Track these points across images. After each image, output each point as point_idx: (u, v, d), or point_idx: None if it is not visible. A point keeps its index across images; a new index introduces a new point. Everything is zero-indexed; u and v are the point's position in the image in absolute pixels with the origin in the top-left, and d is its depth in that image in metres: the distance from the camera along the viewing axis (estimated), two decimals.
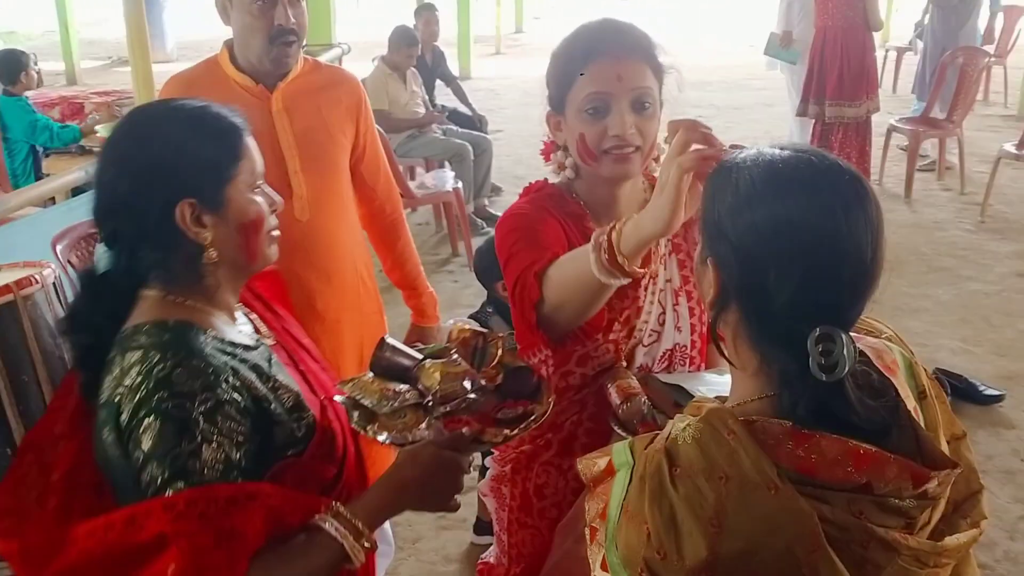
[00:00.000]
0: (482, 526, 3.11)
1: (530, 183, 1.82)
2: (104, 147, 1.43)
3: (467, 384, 1.49)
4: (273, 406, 1.40)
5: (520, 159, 7.98)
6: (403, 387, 1.50)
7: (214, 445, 1.28)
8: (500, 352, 1.58)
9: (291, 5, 2.24)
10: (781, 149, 1.10)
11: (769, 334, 1.07)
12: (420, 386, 1.50)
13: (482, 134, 6.64)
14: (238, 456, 1.30)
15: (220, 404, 1.30)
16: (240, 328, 1.51)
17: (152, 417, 1.26)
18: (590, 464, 1.19)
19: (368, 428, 1.46)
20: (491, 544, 2.00)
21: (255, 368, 1.42)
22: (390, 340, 1.59)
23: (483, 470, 2.23)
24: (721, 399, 1.21)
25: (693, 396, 1.59)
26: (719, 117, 9.03)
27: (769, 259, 1.04)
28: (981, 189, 6.39)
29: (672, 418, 1.24)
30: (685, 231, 1.75)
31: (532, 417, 1.49)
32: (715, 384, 1.66)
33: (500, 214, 6.06)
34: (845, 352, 1.01)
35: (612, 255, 1.33)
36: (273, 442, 1.38)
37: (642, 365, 1.75)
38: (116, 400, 1.29)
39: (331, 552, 1.30)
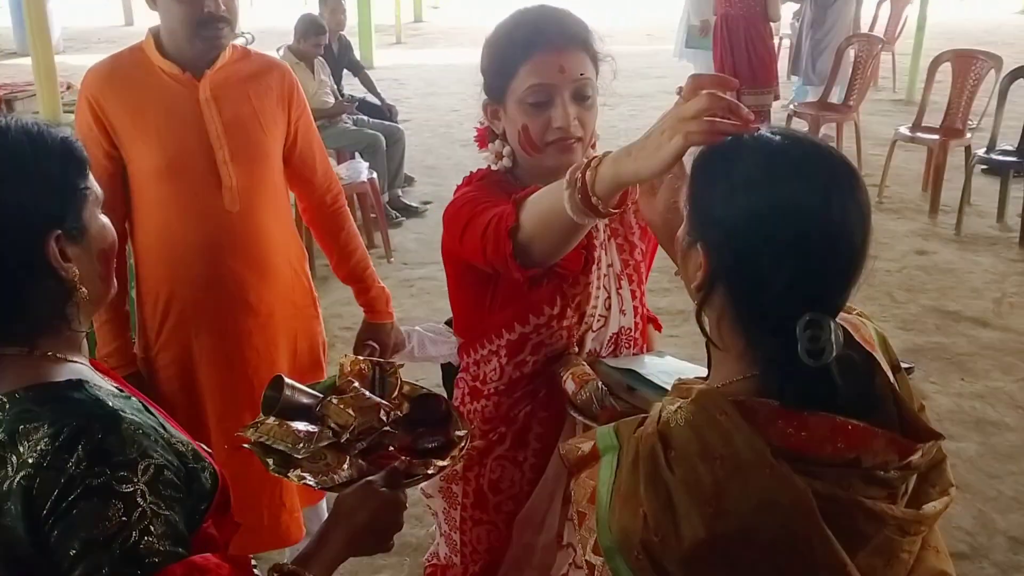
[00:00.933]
0: None
1: (472, 171, 1.81)
2: None
3: (383, 416, 1.46)
4: (186, 459, 1.23)
5: (430, 148, 7.97)
6: (312, 428, 1.45)
7: (163, 517, 1.11)
8: (399, 382, 1.54)
9: None
10: (774, 134, 1.10)
11: (758, 318, 1.07)
12: (332, 424, 1.45)
13: (394, 124, 6.59)
14: (182, 526, 1.15)
15: (160, 469, 1.13)
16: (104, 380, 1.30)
17: (90, 498, 1.07)
18: (574, 449, 1.19)
19: (291, 474, 1.40)
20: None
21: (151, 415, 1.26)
22: (288, 380, 1.53)
23: None
24: (683, 381, 1.23)
25: (646, 379, 1.62)
26: (623, 104, 9.14)
27: (764, 245, 1.04)
28: (877, 171, 6.63)
29: (628, 402, 1.26)
30: (621, 216, 1.76)
31: (463, 444, 1.48)
32: (660, 367, 1.68)
33: (415, 204, 6.05)
34: (832, 338, 1.03)
35: (586, 194, 1.25)
36: (192, 497, 1.22)
37: (591, 350, 1.76)
38: (22, 484, 1.08)
39: None
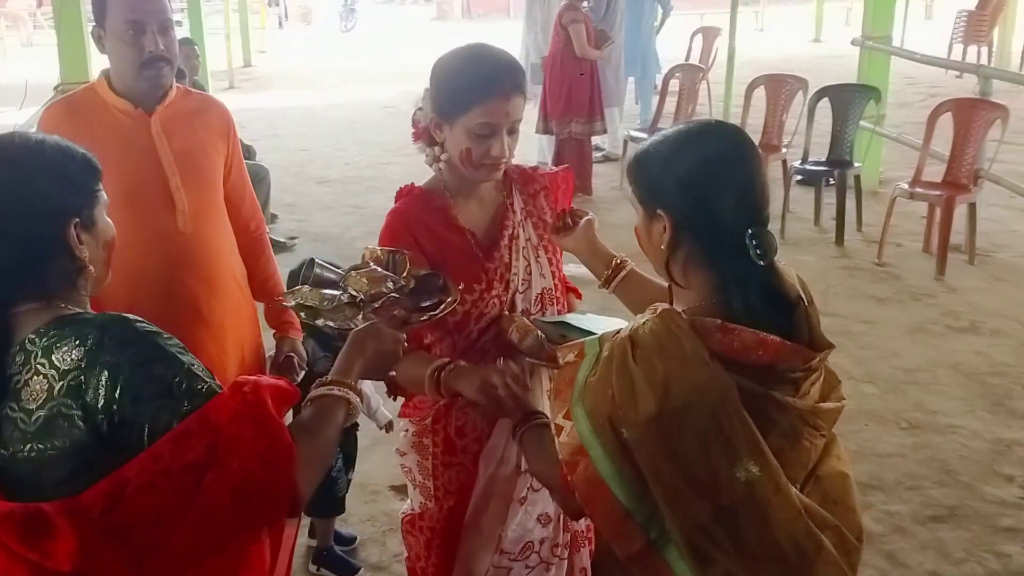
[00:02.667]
0: (328, 558, 3.29)
1: (401, 187, 2.18)
2: None
3: (390, 284, 1.85)
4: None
5: (286, 187, 8.13)
6: (335, 292, 1.86)
7: (197, 364, 1.46)
8: (407, 263, 1.92)
9: (160, 34, 2.40)
10: (675, 127, 1.59)
11: (720, 247, 1.49)
12: (351, 291, 1.85)
13: (256, 163, 6.76)
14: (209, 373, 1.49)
15: (175, 343, 1.46)
16: None
17: (134, 371, 1.37)
18: (565, 351, 1.60)
19: (317, 320, 1.84)
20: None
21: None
22: (319, 259, 1.97)
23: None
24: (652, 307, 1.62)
25: (574, 327, 2.01)
26: None
27: (709, 190, 1.48)
28: None
29: (559, 346, 1.67)
30: (533, 200, 2.19)
31: (449, 299, 1.90)
32: (583, 319, 2.09)
33: (283, 240, 6.27)
34: (771, 241, 1.47)
35: (438, 387, 1.97)
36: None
37: (523, 310, 2.13)
38: (72, 386, 1.35)
39: (340, 408, 1.60)
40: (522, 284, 2.13)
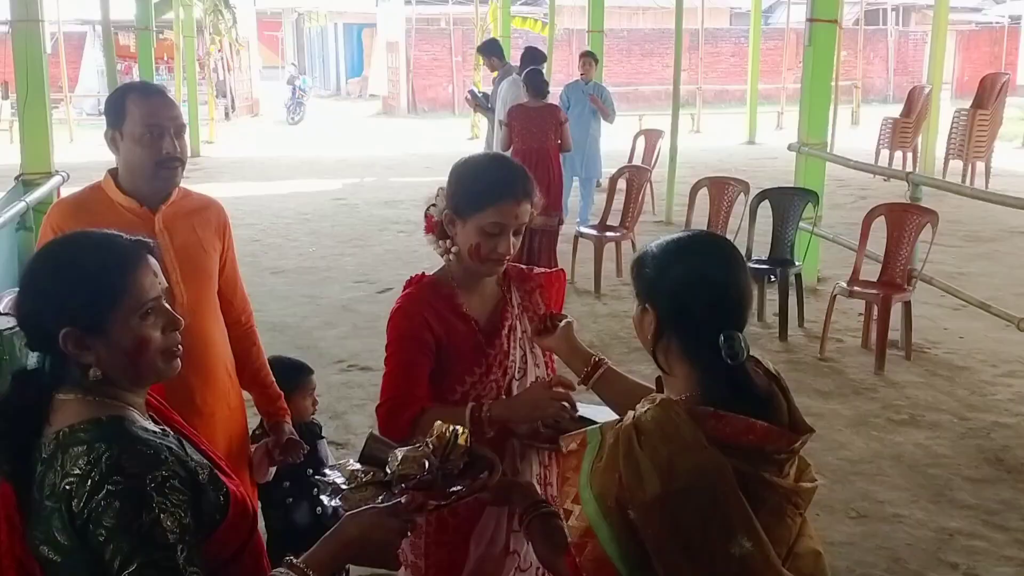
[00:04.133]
0: None
1: (412, 276, 2.37)
2: (24, 267, 1.66)
3: (425, 465, 1.84)
4: (200, 476, 1.59)
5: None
6: (374, 470, 1.86)
7: (169, 513, 1.46)
8: (466, 444, 1.92)
9: (176, 137, 2.58)
10: (676, 234, 1.78)
11: (695, 344, 1.68)
12: (388, 468, 1.86)
13: None
14: (188, 519, 1.49)
15: (166, 478, 1.49)
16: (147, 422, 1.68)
17: (111, 499, 1.43)
18: (568, 440, 1.74)
19: (332, 499, 1.82)
20: None
21: (178, 446, 1.63)
22: (376, 434, 1.98)
23: None
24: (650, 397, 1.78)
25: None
26: (418, 232, 9.78)
27: (689, 295, 1.68)
28: None
29: (563, 435, 1.83)
30: (529, 296, 2.39)
31: (463, 489, 1.88)
32: (581, 410, 2.23)
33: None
34: (743, 345, 1.65)
35: (481, 427, 2.13)
36: (202, 509, 1.56)
37: None
38: (66, 490, 1.45)
39: None
40: (518, 372, 2.31)
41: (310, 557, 1.65)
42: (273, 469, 3.03)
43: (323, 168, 15.90)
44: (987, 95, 13.39)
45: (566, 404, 2.12)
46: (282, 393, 3.05)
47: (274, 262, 9.16)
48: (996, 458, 4.83)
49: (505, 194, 2.18)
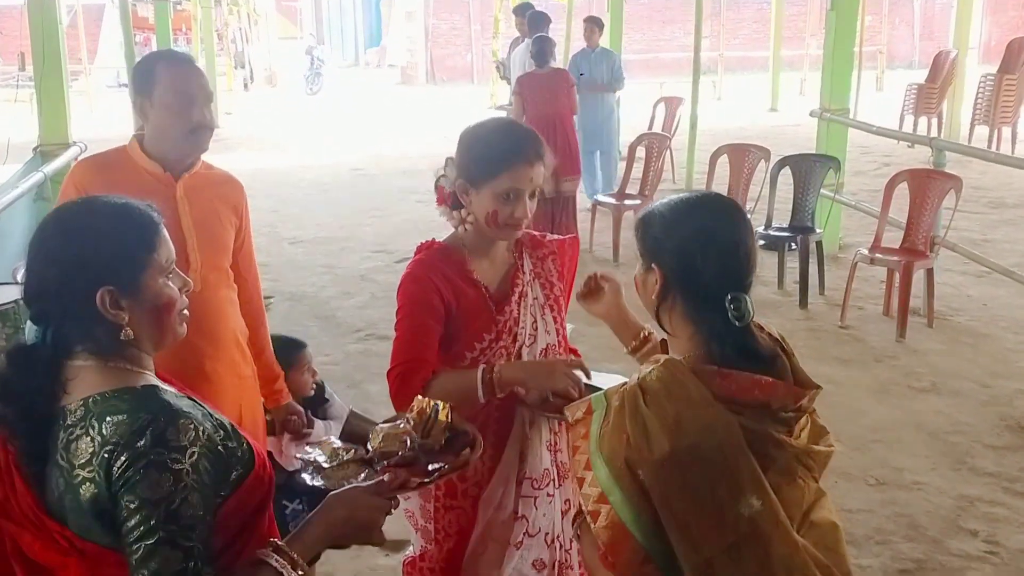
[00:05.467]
0: None
1: (422, 242, 2.34)
2: (33, 238, 1.61)
3: (407, 442, 1.83)
4: (222, 435, 1.59)
5: (259, 248, 8.10)
6: (354, 447, 1.85)
7: (198, 491, 1.48)
8: (448, 419, 1.91)
9: (204, 105, 2.60)
10: (682, 193, 1.76)
11: (701, 305, 1.66)
12: (368, 446, 1.85)
13: None
14: (211, 493, 1.53)
15: (202, 456, 1.50)
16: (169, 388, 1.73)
17: (151, 469, 1.45)
18: (574, 409, 1.72)
19: (313, 477, 1.80)
20: None
21: (201, 410, 1.65)
22: (355, 411, 1.96)
23: None
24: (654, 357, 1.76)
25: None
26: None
27: (696, 255, 1.65)
28: None
29: (567, 404, 1.81)
30: (542, 263, 2.36)
31: (445, 468, 1.85)
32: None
33: None
34: (749, 307, 1.64)
35: (492, 389, 2.12)
36: (229, 461, 1.58)
37: None
38: (105, 458, 1.46)
39: None
40: (528, 338, 2.29)
41: (296, 539, 1.64)
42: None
43: (341, 138, 15.87)
44: (1014, 59, 13.14)
45: (578, 381, 2.09)
46: (281, 375, 3.05)
47: (292, 232, 9.17)
48: (1019, 425, 4.78)
49: (517, 158, 2.16)
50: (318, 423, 3.24)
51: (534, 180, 2.17)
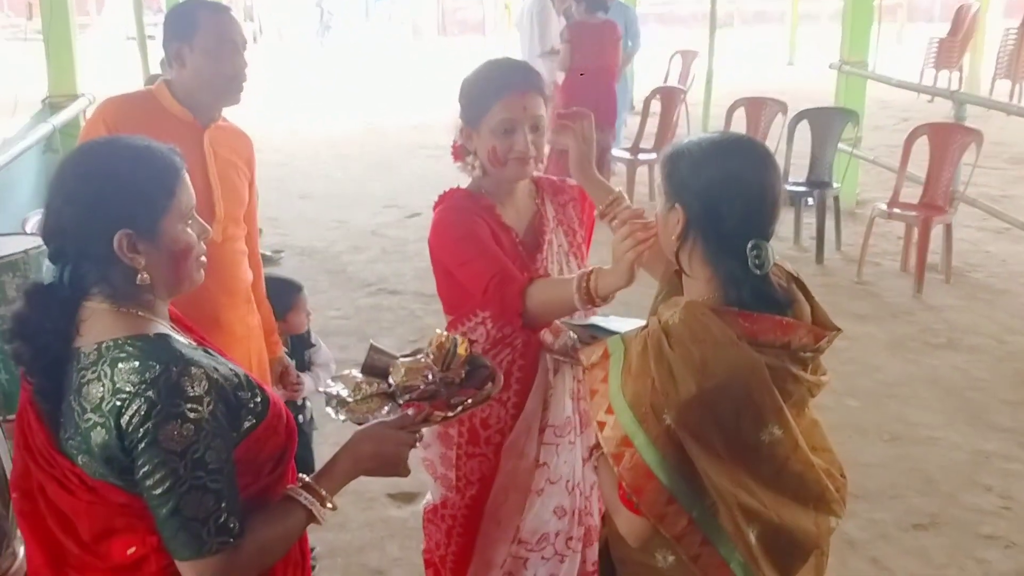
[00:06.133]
0: None
1: (443, 192, 2.28)
2: (53, 176, 1.59)
3: (428, 376, 1.83)
4: (235, 384, 1.58)
5: (267, 202, 7.99)
6: (377, 380, 1.84)
7: (219, 439, 1.48)
8: (467, 353, 1.90)
9: (244, 54, 2.61)
10: (711, 134, 1.70)
11: (722, 249, 1.62)
12: (390, 379, 1.84)
13: None
14: (230, 439, 1.53)
15: (218, 403, 1.50)
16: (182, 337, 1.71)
17: (168, 420, 1.43)
18: (589, 352, 1.71)
19: (337, 411, 1.80)
20: None
21: (212, 359, 1.64)
22: (376, 345, 1.93)
23: None
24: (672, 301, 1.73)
25: (603, 328, 2.10)
26: (447, 156, 9.65)
27: (722, 199, 1.60)
28: None
29: (589, 345, 1.77)
30: (563, 209, 2.31)
31: (469, 401, 1.84)
32: (608, 321, 2.18)
33: (268, 253, 6.39)
34: (769, 255, 1.60)
35: (591, 297, 1.93)
36: (240, 412, 1.57)
37: None
38: (116, 406, 1.44)
39: (303, 516, 1.62)
40: None
41: (324, 475, 1.66)
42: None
43: (351, 93, 15.75)
44: None
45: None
46: (276, 326, 3.06)
47: (302, 187, 9.12)
48: None
49: (506, 87, 2.11)
50: (306, 378, 3.23)
51: (528, 109, 2.10)
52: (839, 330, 1.67)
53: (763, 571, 1.60)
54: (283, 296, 3.26)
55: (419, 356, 1.85)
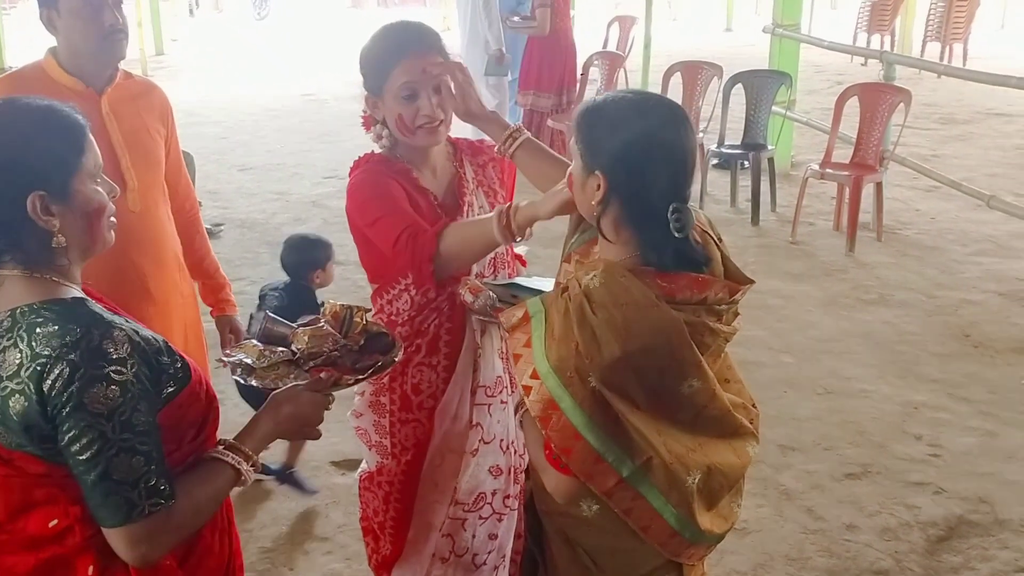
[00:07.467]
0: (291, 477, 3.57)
1: (357, 158, 2.26)
2: None
3: (331, 342, 1.85)
4: (157, 347, 1.56)
5: (207, 174, 8.04)
6: (279, 348, 1.85)
7: (144, 401, 1.47)
8: (364, 321, 1.93)
9: (116, 7, 2.46)
10: (626, 92, 1.71)
11: (644, 214, 1.64)
12: (293, 347, 1.85)
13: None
14: (155, 401, 1.52)
15: (141, 365, 1.48)
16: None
17: (97, 383, 1.42)
18: (509, 315, 1.72)
19: (246, 377, 1.81)
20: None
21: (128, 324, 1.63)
22: (272, 315, 1.94)
23: None
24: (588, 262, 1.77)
25: (524, 287, 2.14)
26: None
27: (644, 165, 1.62)
28: None
29: (512, 304, 1.80)
30: (483, 170, 2.31)
31: (379, 363, 1.88)
32: (530, 281, 2.22)
33: (209, 226, 6.27)
34: (689, 217, 1.62)
35: (510, 228, 1.89)
36: (161, 377, 1.55)
37: (477, 272, 2.23)
38: (37, 371, 1.42)
39: (230, 475, 1.62)
40: None
41: (246, 436, 1.68)
42: None
43: (291, 64, 15.51)
44: None
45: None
46: (228, 283, 3.01)
47: (242, 159, 9.00)
48: (963, 334, 4.88)
49: (402, 51, 2.09)
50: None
51: (428, 70, 2.08)
52: (752, 282, 1.72)
53: (695, 512, 1.66)
54: (318, 253, 3.63)
55: (320, 324, 1.87)
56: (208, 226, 6.60)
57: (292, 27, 21.56)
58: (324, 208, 7.34)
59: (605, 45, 11.48)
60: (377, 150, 2.25)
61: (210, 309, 2.98)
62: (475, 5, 8.43)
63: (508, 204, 1.94)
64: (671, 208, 1.60)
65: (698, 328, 1.63)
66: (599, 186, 1.64)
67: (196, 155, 8.65)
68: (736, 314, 1.76)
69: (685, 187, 1.65)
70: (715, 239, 1.77)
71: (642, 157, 1.61)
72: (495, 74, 8.15)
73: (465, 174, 2.27)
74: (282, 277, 3.68)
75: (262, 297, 3.59)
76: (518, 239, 1.95)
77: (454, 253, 2.02)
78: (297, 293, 3.54)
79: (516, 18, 8.36)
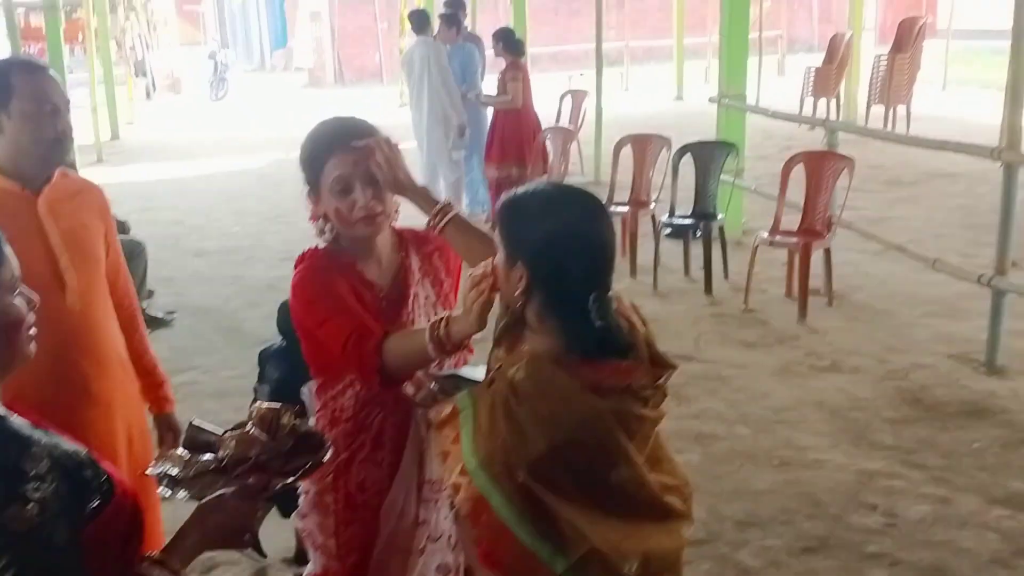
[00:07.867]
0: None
1: (301, 253, 2.26)
2: None
3: (259, 446, 1.81)
4: (79, 461, 1.56)
5: (162, 261, 7.98)
6: (205, 456, 1.82)
7: (64, 519, 1.44)
8: (292, 422, 1.89)
9: (66, 113, 2.50)
10: (546, 185, 1.77)
11: (565, 303, 1.68)
12: (220, 454, 1.82)
13: (131, 238, 6.67)
14: (76, 519, 1.49)
15: (60, 477, 1.45)
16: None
17: (15, 503, 1.39)
18: (438, 411, 1.74)
19: (173, 488, 1.77)
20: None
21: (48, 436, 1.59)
22: (196, 421, 1.92)
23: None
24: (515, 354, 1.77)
25: (466, 379, 2.11)
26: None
27: (563, 256, 1.67)
28: None
29: (454, 395, 1.81)
30: (429, 259, 2.31)
31: (309, 464, 1.85)
32: (473, 372, 2.20)
33: (161, 315, 6.27)
34: (610, 305, 1.67)
35: (442, 345, 1.92)
36: (84, 492, 1.52)
37: None
38: None
39: None
40: None
41: (173, 550, 1.64)
42: None
43: (247, 145, 15.57)
44: (906, 38, 13.52)
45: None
46: (167, 380, 2.96)
47: (197, 244, 8.97)
48: (914, 398, 4.92)
49: (333, 145, 2.11)
50: None
51: (358, 163, 2.08)
52: (675, 367, 1.75)
53: None
54: None
55: (246, 429, 1.85)
56: (160, 315, 6.68)
57: (249, 107, 21.72)
58: (280, 292, 7.15)
59: (558, 119, 11.68)
60: (321, 244, 2.26)
61: (150, 408, 2.94)
62: (432, 85, 8.60)
63: (440, 317, 1.94)
64: (592, 297, 1.64)
65: (624, 416, 1.65)
66: (521, 277, 1.68)
67: (150, 242, 8.61)
68: (664, 396, 1.78)
69: (606, 276, 1.70)
70: (639, 323, 1.79)
71: (562, 249, 1.66)
72: (458, 148, 8.41)
73: (411, 264, 2.27)
74: (237, 362, 3.62)
75: (262, 366, 3.53)
76: (452, 353, 1.97)
77: (397, 365, 2.04)
78: (297, 354, 3.43)
79: (482, 94, 8.95)
